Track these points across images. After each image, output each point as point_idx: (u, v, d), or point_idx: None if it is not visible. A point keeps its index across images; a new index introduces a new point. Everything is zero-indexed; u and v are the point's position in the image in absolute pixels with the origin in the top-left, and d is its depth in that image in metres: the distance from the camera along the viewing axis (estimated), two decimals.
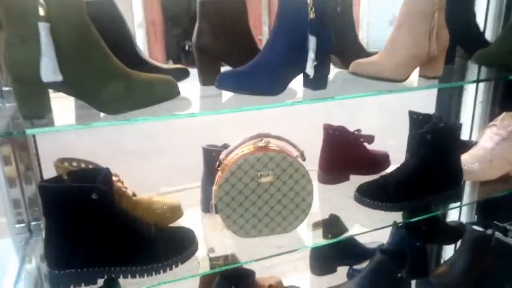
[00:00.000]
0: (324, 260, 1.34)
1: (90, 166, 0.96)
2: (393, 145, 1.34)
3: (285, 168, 0.90)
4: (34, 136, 0.99)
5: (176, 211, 1.01)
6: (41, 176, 1.01)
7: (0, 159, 0.94)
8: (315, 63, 0.83)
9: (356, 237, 1.40)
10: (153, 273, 0.80)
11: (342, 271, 1.34)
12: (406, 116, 1.26)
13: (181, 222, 1.03)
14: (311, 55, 0.82)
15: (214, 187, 0.90)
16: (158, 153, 3.84)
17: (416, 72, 1.00)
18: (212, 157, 1.01)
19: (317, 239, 1.04)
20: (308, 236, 1.03)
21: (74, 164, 0.95)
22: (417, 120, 1.21)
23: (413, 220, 1.11)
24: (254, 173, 0.89)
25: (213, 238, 0.92)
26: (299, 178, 0.91)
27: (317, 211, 1.16)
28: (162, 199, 1.01)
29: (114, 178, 0.94)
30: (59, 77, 0.64)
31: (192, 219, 1.04)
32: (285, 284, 1.31)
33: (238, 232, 0.92)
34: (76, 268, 0.76)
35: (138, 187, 1.01)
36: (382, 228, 1.18)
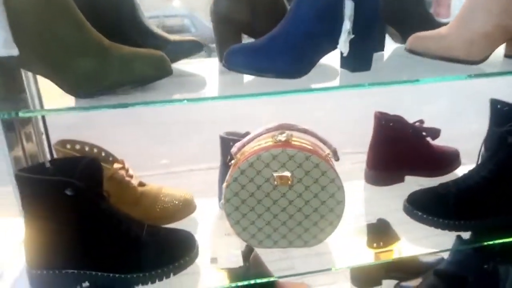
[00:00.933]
0: (368, 270, 1.14)
1: (95, 150, 0.87)
2: (466, 137, 1.08)
3: (309, 170, 0.72)
4: (43, 115, 0.91)
5: (187, 206, 0.88)
6: (52, 157, 0.94)
7: (6, 140, 0.87)
8: (352, 36, 0.62)
9: (408, 245, 1.19)
10: (139, 283, 0.68)
11: (388, 286, 1.14)
12: (484, 103, 0.99)
13: (196, 217, 0.91)
14: (347, 25, 0.61)
15: (224, 185, 0.75)
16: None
17: (499, 50, 0.73)
18: (230, 148, 0.86)
19: (356, 257, 0.85)
20: (345, 248, 0.85)
21: (78, 147, 0.85)
22: (500, 112, 0.94)
23: (483, 244, 0.88)
24: (269, 174, 0.72)
25: (219, 246, 0.78)
26: (327, 184, 0.72)
27: (362, 216, 0.98)
28: (173, 191, 0.89)
29: (115, 166, 0.84)
30: (13, 51, 0.52)
31: (208, 215, 0.91)
32: None
33: (249, 241, 0.77)
34: (54, 269, 0.67)
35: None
36: (443, 251, 0.95)
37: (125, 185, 0.83)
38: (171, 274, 0.70)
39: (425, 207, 0.83)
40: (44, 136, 0.91)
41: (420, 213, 0.83)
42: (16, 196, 0.92)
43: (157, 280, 0.69)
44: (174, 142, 3.26)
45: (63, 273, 0.67)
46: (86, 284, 0.69)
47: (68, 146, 0.84)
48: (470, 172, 0.83)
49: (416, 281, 1.08)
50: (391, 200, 1.00)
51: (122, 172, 0.84)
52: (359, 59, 0.67)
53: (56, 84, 0.57)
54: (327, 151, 0.76)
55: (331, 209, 0.74)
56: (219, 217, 0.89)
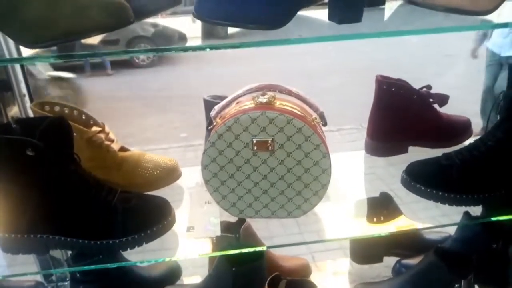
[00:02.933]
0: (369, 246, 1.09)
1: (75, 113, 0.83)
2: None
3: (291, 135, 0.66)
4: (25, 76, 0.88)
5: (170, 173, 0.84)
6: None
7: None
8: None
9: (414, 220, 1.13)
10: (109, 250, 0.65)
11: (389, 262, 1.08)
12: None
13: (182, 185, 0.87)
14: None
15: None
16: None
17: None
18: None
19: (356, 229, 0.81)
20: (342, 221, 0.80)
21: (57, 109, 0.82)
22: None
23: (493, 219, 0.80)
24: (249, 138, 0.66)
25: (198, 215, 0.74)
26: (311, 150, 0.66)
27: (362, 190, 0.92)
28: (156, 158, 0.85)
29: (94, 129, 0.80)
30: None
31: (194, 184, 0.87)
32: (316, 269, 1.11)
33: (229, 210, 0.73)
34: (22, 234, 0.65)
35: None
36: (449, 225, 0.89)
37: (105, 149, 0.80)
38: (143, 242, 0.66)
39: (425, 179, 0.76)
40: (27, 98, 0.89)
41: (418, 185, 0.76)
42: None
43: (128, 248, 0.66)
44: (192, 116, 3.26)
45: (31, 237, 0.65)
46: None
47: (47, 107, 0.81)
48: (477, 141, 0.75)
49: (419, 259, 1.02)
50: (392, 172, 0.93)
51: (101, 135, 0.80)
52: (346, 9, 0.59)
53: (4, 32, 0.53)
54: (314, 115, 0.70)
55: (315, 177, 0.68)
56: (201, 186, 0.86)
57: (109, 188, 0.68)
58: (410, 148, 0.95)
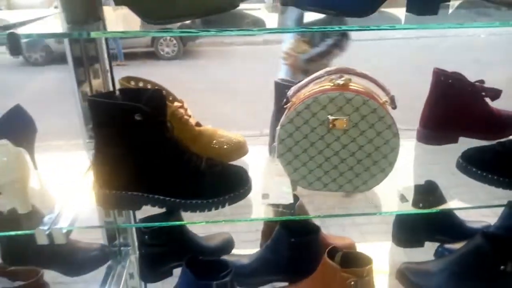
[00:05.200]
0: (411, 230, 1.14)
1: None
2: None
3: (366, 114, 0.72)
4: (108, 54, 0.96)
5: (240, 148, 0.92)
6: None
7: (75, 76, 0.93)
8: None
9: (456, 212, 1.18)
10: (197, 209, 0.73)
11: (430, 247, 1.13)
12: None
13: (246, 160, 0.94)
14: None
15: (278, 127, 0.78)
16: None
17: None
18: (284, 94, 0.87)
19: (403, 206, 0.87)
20: (392, 200, 0.87)
21: (141, 84, 0.90)
22: None
23: None
24: (325, 116, 0.73)
25: (271, 184, 0.81)
26: (383, 130, 0.73)
27: (410, 175, 0.98)
28: (227, 133, 0.93)
29: (176, 104, 0.89)
30: None
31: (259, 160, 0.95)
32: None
33: (299, 182, 0.80)
34: (120, 190, 0.73)
35: None
36: (490, 207, 0.94)
37: (184, 123, 0.88)
38: (227, 204, 0.74)
39: (481, 164, 0.82)
40: (109, 74, 0.97)
41: (474, 169, 0.82)
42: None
43: (213, 208, 0.73)
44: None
45: (128, 194, 0.73)
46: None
47: (132, 82, 0.89)
48: None
49: (460, 245, 1.07)
50: (442, 159, 0.99)
51: (182, 110, 0.88)
52: (425, 1, 0.65)
53: (132, 9, 0.60)
54: (384, 98, 0.76)
55: (384, 155, 0.75)
56: (269, 161, 0.93)
57: (197, 155, 0.75)
58: (460, 139, 1.00)
